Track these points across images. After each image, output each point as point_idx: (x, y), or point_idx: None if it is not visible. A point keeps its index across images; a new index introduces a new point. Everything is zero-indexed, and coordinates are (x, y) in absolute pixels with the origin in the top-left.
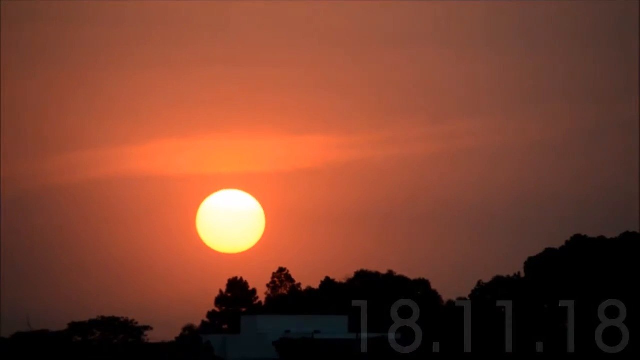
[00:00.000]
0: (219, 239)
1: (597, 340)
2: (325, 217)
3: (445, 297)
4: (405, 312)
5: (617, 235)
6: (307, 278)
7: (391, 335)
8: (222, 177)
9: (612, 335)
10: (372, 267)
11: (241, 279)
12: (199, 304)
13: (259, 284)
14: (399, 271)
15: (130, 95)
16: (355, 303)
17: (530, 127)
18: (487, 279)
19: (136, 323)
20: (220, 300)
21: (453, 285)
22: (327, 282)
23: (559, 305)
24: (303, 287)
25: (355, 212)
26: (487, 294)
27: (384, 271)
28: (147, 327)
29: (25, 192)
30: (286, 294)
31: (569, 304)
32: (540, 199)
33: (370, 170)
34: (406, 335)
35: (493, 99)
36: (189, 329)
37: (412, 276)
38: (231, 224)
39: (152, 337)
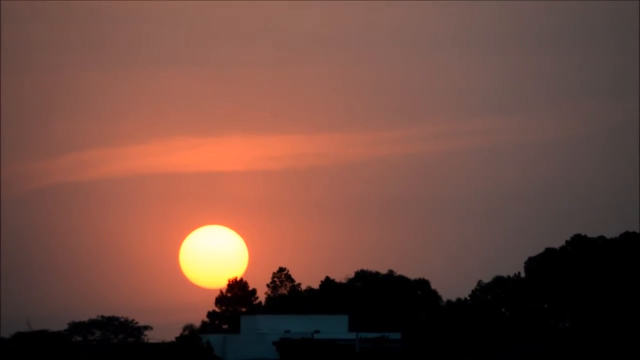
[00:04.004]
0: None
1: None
2: (325, 216)
3: (445, 297)
4: (405, 312)
5: (617, 235)
6: (307, 278)
7: (391, 335)
8: (227, 175)
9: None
10: (372, 267)
11: (241, 279)
12: (199, 303)
13: (259, 284)
14: (399, 271)
15: (128, 96)
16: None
17: (530, 128)
18: (487, 279)
19: (136, 323)
20: (220, 300)
21: (453, 285)
22: (327, 282)
23: (559, 305)
24: (303, 287)
25: (355, 212)
26: (487, 294)
27: (384, 271)
28: (147, 327)
29: (25, 192)
30: (286, 294)
31: (569, 304)
32: (540, 199)
33: (370, 170)
34: (406, 336)
35: (493, 99)
36: (189, 328)
37: (412, 276)
38: (214, 264)
39: (152, 337)
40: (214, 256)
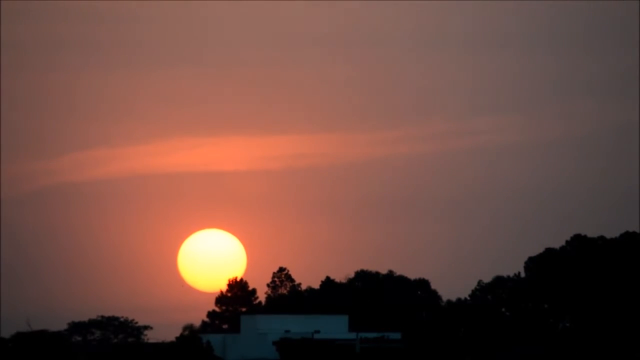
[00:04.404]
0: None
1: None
2: (325, 216)
3: (445, 297)
4: (405, 312)
5: (617, 235)
6: (307, 278)
7: (391, 335)
8: (227, 175)
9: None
10: (372, 267)
11: (241, 279)
12: (199, 303)
13: (259, 284)
14: (399, 271)
15: (129, 96)
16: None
17: (530, 128)
18: (487, 279)
19: (136, 323)
20: (220, 300)
21: (453, 285)
22: (327, 282)
23: (559, 305)
24: (303, 287)
25: (355, 212)
26: (487, 294)
27: (384, 271)
28: (147, 327)
29: (25, 192)
30: (286, 294)
31: (569, 304)
32: (540, 199)
33: (370, 170)
34: (406, 336)
35: (494, 99)
36: (189, 328)
37: (412, 276)
38: (211, 268)
39: (152, 337)
40: (212, 260)
